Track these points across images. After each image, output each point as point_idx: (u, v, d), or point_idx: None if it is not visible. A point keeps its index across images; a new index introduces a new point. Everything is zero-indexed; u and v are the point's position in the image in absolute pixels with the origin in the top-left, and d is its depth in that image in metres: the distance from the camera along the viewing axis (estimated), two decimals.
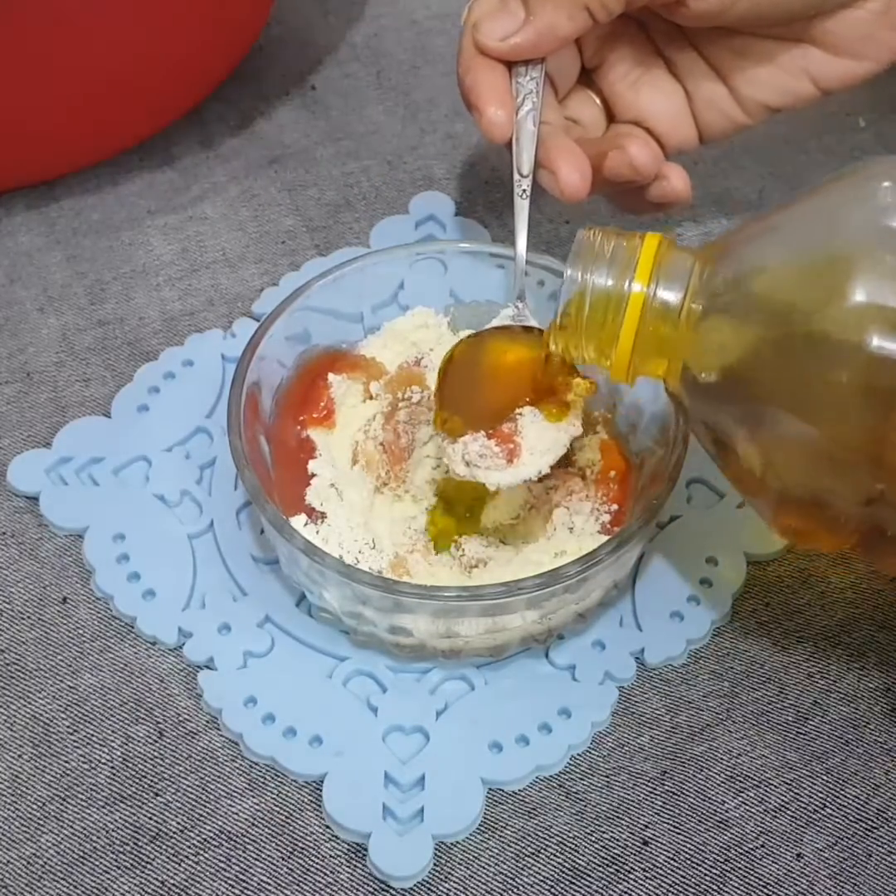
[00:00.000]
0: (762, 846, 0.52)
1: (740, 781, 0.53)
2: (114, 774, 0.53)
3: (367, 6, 0.82)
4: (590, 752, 0.54)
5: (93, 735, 0.54)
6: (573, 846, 0.52)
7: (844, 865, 0.51)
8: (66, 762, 0.54)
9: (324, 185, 0.73)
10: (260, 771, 0.53)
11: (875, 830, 0.52)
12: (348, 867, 0.51)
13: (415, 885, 0.51)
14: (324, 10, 0.81)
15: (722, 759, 0.54)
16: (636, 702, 0.55)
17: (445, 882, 0.51)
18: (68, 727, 0.54)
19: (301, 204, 0.72)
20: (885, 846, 0.52)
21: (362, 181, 0.73)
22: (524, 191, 0.58)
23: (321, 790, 0.52)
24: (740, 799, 0.53)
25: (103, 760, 0.54)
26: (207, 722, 0.55)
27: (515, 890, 0.51)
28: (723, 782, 0.53)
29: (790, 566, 0.59)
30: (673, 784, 0.53)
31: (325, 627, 0.56)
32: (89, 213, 0.71)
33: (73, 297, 0.68)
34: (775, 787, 0.53)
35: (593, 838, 0.52)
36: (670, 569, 0.58)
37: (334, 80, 0.78)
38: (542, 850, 0.52)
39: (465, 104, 0.58)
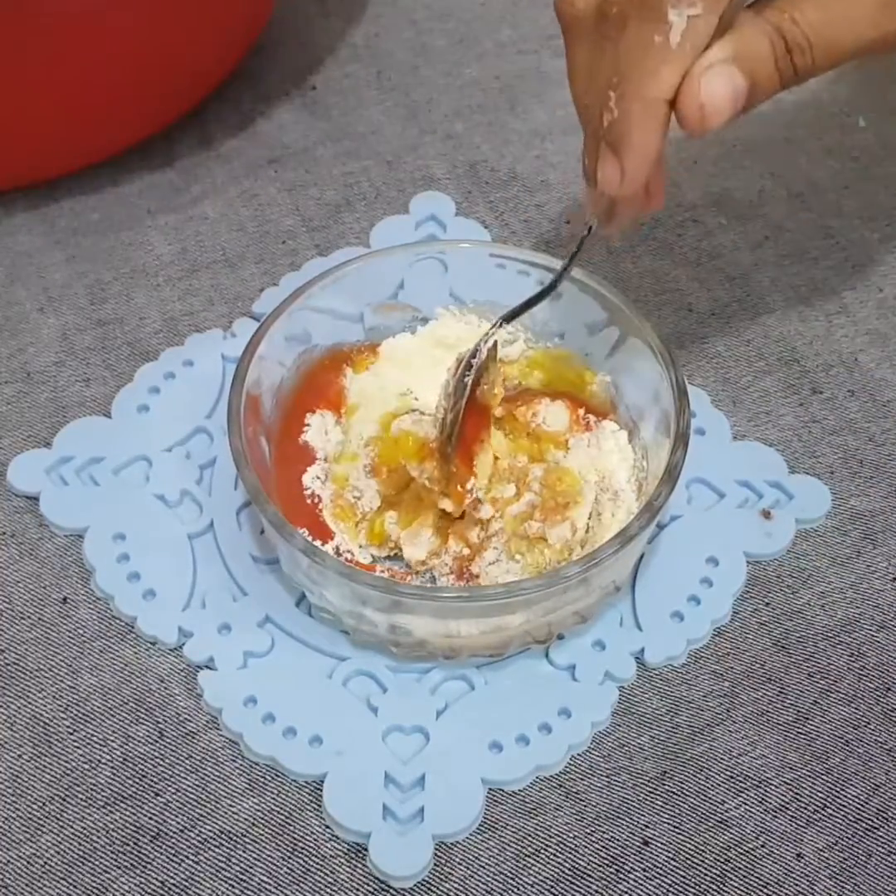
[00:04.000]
0: (762, 846, 0.52)
1: (740, 781, 0.53)
2: (114, 774, 0.53)
3: (368, 6, 0.82)
4: (590, 752, 0.54)
5: (93, 735, 0.54)
6: (573, 846, 0.52)
7: (845, 865, 0.51)
8: (66, 762, 0.54)
9: (324, 185, 0.73)
10: (260, 771, 0.53)
11: (875, 830, 0.52)
12: (348, 867, 0.51)
13: (415, 884, 0.51)
14: (324, 10, 0.81)
15: (722, 759, 0.54)
16: (636, 702, 0.55)
17: (446, 882, 0.51)
18: (68, 727, 0.54)
19: (301, 204, 0.72)
20: (885, 846, 0.52)
21: (362, 181, 0.73)
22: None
23: (321, 790, 0.52)
24: (740, 799, 0.53)
25: (103, 760, 0.54)
26: (207, 722, 0.54)
27: (515, 890, 0.51)
28: (723, 782, 0.53)
29: (790, 566, 0.59)
30: (673, 784, 0.53)
31: (325, 627, 0.56)
32: (89, 214, 0.71)
33: (73, 297, 0.68)
34: (775, 786, 0.53)
35: (593, 838, 0.52)
36: (670, 569, 0.58)
37: (334, 80, 0.78)
38: (543, 850, 0.52)
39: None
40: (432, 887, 0.51)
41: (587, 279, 0.60)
